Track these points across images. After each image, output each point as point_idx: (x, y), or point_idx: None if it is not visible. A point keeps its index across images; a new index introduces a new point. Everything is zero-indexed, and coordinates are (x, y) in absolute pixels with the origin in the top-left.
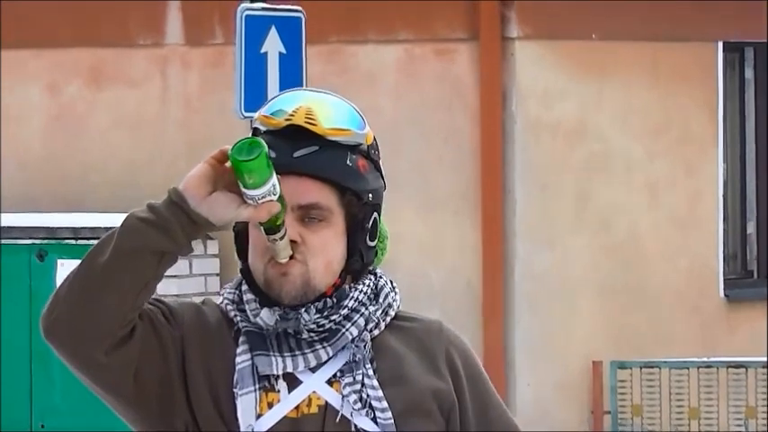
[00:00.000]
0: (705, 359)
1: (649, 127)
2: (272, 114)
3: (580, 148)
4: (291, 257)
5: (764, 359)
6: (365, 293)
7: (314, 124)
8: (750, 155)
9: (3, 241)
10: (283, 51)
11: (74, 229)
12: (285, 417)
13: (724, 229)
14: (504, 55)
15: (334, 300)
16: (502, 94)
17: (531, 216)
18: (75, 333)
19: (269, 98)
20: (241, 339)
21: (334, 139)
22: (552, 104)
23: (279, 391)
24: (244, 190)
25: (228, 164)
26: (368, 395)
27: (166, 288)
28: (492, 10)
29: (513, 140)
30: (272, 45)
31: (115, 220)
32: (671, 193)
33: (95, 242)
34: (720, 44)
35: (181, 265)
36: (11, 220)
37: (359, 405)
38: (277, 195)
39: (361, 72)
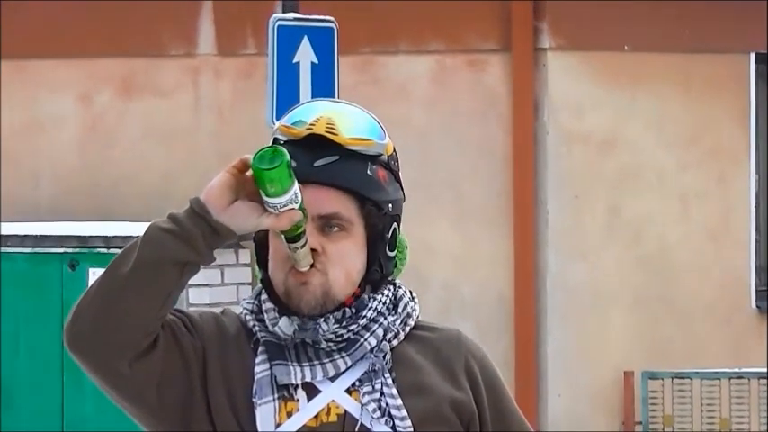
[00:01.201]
0: (736, 370)
1: (681, 138)
2: (292, 124)
3: (612, 159)
4: (312, 267)
5: None
6: (384, 304)
7: (334, 134)
8: None
9: (35, 250)
10: (315, 62)
11: (105, 238)
12: (304, 426)
13: (756, 240)
14: (536, 66)
15: (353, 310)
16: (534, 104)
17: (562, 227)
18: (98, 345)
19: (290, 108)
20: (260, 349)
21: (354, 148)
22: (584, 115)
23: (298, 400)
24: (265, 198)
25: (249, 173)
26: (387, 404)
27: (199, 297)
28: (524, 21)
29: (545, 151)
30: (305, 55)
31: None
32: (703, 205)
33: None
34: (753, 55)
35: (213, 275)
36: (43, 229)
37: (378, 413)
38: (299, 204)
39: (393, 83)
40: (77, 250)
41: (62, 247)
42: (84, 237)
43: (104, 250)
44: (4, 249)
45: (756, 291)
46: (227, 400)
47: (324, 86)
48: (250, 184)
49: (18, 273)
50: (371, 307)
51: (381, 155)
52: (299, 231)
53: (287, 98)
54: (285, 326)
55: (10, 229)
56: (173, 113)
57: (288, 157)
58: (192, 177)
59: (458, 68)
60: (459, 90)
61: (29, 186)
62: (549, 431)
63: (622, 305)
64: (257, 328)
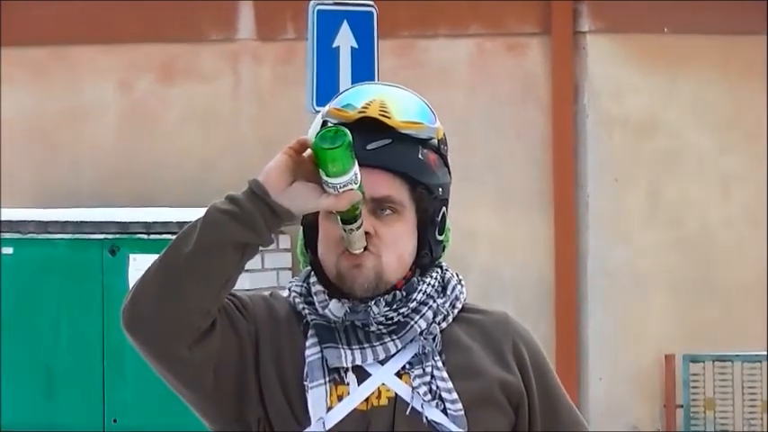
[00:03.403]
0: None
1: (721, 121)
2: (343, 107)
3: (651, 143)
4: (365, 249)
5: None
6: (433, 286)
7: (388, 117)
8: None
9: (76, 236)
10: (355, 46)
11: (146, 224)
12: (355, 409)
13: None
14: (575, 49)
15: (404, 293)
16: (573, 88)
17: (603, 211)
18: (158, 329)
19: (339, 92)
20: (310, 332)
21: (406, 132)
22: (623, 98)
23: (348, 383)
24: (326, 178)
25: (307, 153)
26: (438, 387)
27: (239, 283)
28: (564, 4)
29: (584, 135)
30: (344, 40)
31: (187, 215)
32: (743, 187)
33: (173, 236)
34: None
35: (253, 260)
36: (83, 215)
37: (429, 397)
38: (358, 185)
39: (433, 67)
40: (117, 236)
41: (102, 233)
42: (125, 223)
43: (145, 236)
44: (45, 235)
45: None
46: (278, 383)
47: (364, 71)
48: (308, 165)
49: (59, 259)
50: (421, 290)
51: (432, 138)
52: (356, 213)
53: (327, 83)
54: (336, 308)
55: (51, 214)
56: (213, 99)
57: (350, 138)
58: (231, 163)
59: (497, 52)
60: (498, 74)
61: (70, 172)
62: (590, 414)
63: (663, 288)
64: (307, 311)
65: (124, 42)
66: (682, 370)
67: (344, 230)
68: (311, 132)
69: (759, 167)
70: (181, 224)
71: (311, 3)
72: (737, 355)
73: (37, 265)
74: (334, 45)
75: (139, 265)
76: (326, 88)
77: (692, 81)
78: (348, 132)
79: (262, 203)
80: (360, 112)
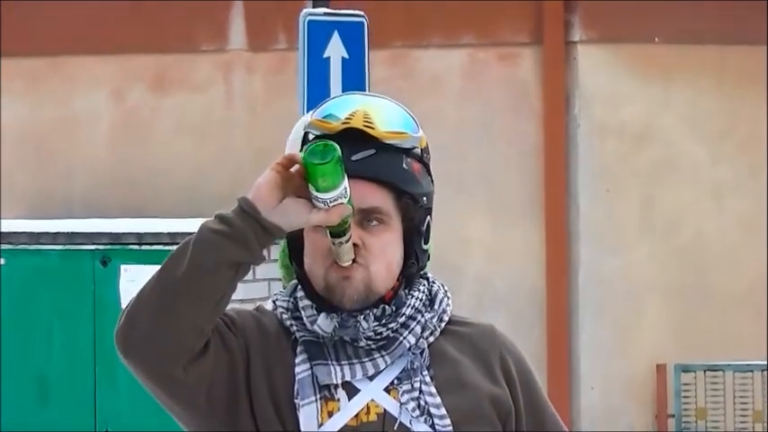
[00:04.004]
0: None
1: (715, 130)
2: (324, 118)
3: (644, 152)
4: (353, 261)
5: None
6: (421, 300)
7: (372, 128)
8: None
9: (67, 247)
10: (346, 56)
11: (137, 235)
12: (345, 425)
13: None
14: (567, 59)
15: (393, 308)
16: (565, 97)
17: (595, 220)
18: (154, 350)
19: (322, 102)
20: (299, 349)
21: (390, 142)
22: (615, 108)
23: (338, 399)
24: (315, 193)
25: (294, 168)
26: (426, 402)
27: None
28: (555, 14)
29: (576, 144)
30: (335, 50)
31: (178, 226)
32: (737, 197)
33: (164, 246)
34: None
35: None
36: (75, 225)
37: (417, 412)
38: (347, 198)
39: (426, 77)
40: (109, 247)
41: (94, 243)
42: (116, 233)
43: (136, 247)
44: (38, 246)
45: None
46: (269, 400)
47: (354, 81)
48: (296, 180)
49: (50, 269)
50: (409, 304)
51: (415, 148)
52: (346, 226)
53: (318, 93)
54: (324, 324)
55: (43, 226)
56: (205, 109)
57: (339, 152)
58: (224, 173)
59: (489, 62)
60: (490, 84)
61: (63, 181)
62: (582, 424)
63: (656, 298)
64: (295, 327)
65: (117, 52)
66: (673, 379)
67: (333, 243)
68: (290, 141)
69: (752, 177)
70: (172, 235)
71: (302, 13)
72: (729, 365)
73: (29, 275)
74: (325, 55)
75: (131, 275)
76: (317, 98)
77: (685, 90)
78: (337, 147)
79: (253, 221)
80: (343, 123)
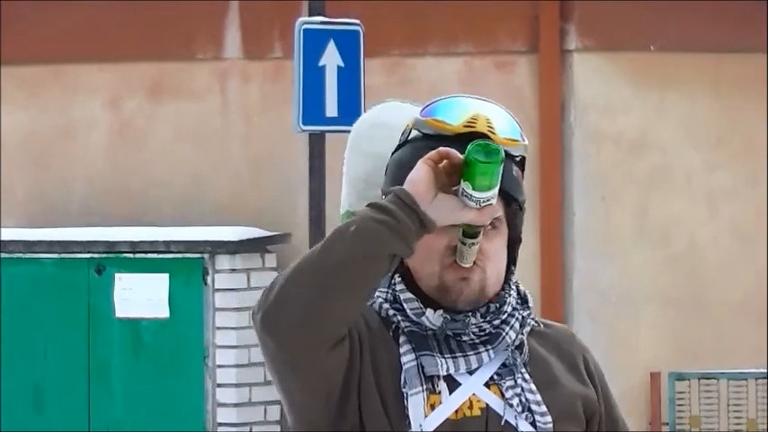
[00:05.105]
0: (763, 370)
1: (710, 138)
2: (443, 119)
3: (640, 160)
4: (474, 263)
5: None
6: (516, 298)
7: (494, 133)
8: None
9: (63, 256)
10: (341, 65)
11: (132, 243)
12: (447, 419)
13: None
14: (562, 67)
15: (497, 305)
16: (561, 105)
17: (590, 228)
18: (304, 333)
19: (430, 102)
20: (403, 339)
21: (507, 149)
22: (611, 116)
23: (440, 392)
24: (470, 191)
25: (443, 165)
26: (527, 399)
27: (226, 301)
28: (551, 22)
29: (571, 152)
30: (331, 58)
31: (173, 234)
32: (732, 205)
33: (158, 255)
34: None
35: (239, 279)
36: (70, 234)
37: (520, 408)
38: (495, 199)
39: (422, 84)
40: (104, 255)
41: (89, 252)
42: (111, 242)
43: (131, 255)
44: (33, 255)
45: None
46: (377, 393)
47: (350, 89)
48: (443, 177)
49: (46, 277)
50: (509, 302)
51: (520, 155)
52: (480, 228)
53: (313, 101)
54: (433, 317)
55: (38, 234)
56: (202, 117)
57: (503, 154)
58: (221, 181)
59: (486, 70)
60: (487, 91)
61: (61, 190)
62: None
63: (651, 306)
64: (399, 318)
65: (114, 60)
66: (667, 388)
67: (464, 243)
68: (364, 138)
69: (747, 185)
70: (167, 243)
71: (298, 21)
72: (723, 373)
73: (25, 284)
74: (321, 63)
75: (125, 284)
76: (313, 106)
77: (681, 99)
78: (502, 149)
79: (414, 215)
80: (466, 126)
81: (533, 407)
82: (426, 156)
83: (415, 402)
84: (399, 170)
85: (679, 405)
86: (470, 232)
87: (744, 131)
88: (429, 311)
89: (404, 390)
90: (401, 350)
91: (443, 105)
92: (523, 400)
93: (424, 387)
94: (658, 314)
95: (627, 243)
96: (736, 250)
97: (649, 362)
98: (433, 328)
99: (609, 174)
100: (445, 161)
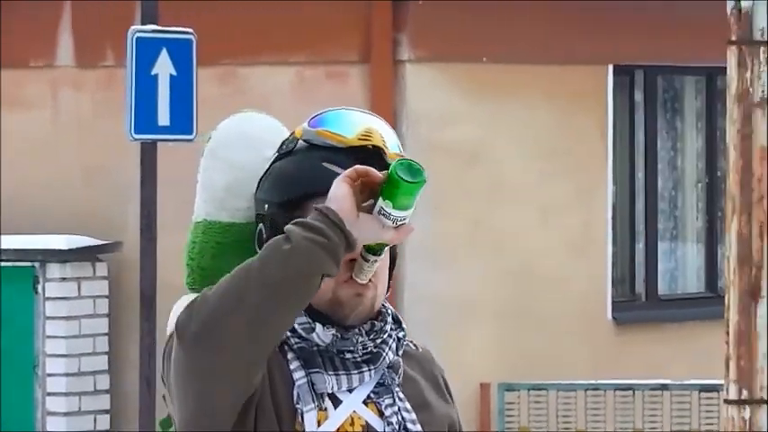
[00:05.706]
0: (592, 381)
1: (543, 150)
2: (336, 132)
3: (473, 171)
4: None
5: (652, 382)
6: (391, 318)
7: (387, 147)
8: (638, 177)
9: None
10: (174, 73)
11: None
12: None
13: (613, 253)
14: (395, 77)
15: (381, 324)
16: (393, 116)
17: (421, 239)
18: (252, 347)
19: (317, 114)
20: (291, 355)
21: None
22: (444, 127)
23: (326, 409)
24: (389, 210)
25: (358, 183)
26: (403, 418)
27: (56, 310)
28: (384, 33)
29: None
30: (163, 67)
31: (3, 242)
32: (563, 217)
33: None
34: (611, 67)
35: (70, 288)
36: None
37: (398, 427)
38: (409, 219)
39: (255, 94)
40: None
41: None
42: None
43: None
44: None
45: (613, 302)
46: (272, 407)
47: (183, 98)
48: (358, 195)
49: None
50: (387, 321)
51: None
52: (384, 246)
53: (146, 110)
54: (323, 334)
55: None
56: (33, 125)
57: (425, 175)
58: (52, 189)
59: (318, 80)
60: (319, 102)
61: None
62: None
63: (484, 317)
64: (288, 334)
65: None
66: (497, 398)
67: (367, 260)
68: (230, 153)
69: (579, 197)
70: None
71: (130, 29)
72: (552, 384)
73: None
74: (153, 72)
75: None
76: (145, 115)
77: (515, 110)
78: (424, 170)
79: (341, 234)
80: (360, 140)
81: (409, 425)
82: (344, 173)
83: (310, 419)
84: (288, 180)
85: (508, 416)
86: (374, 249)
87: (580, 143)
88: (319, 327)
89: (298, 406)
90: (291, 366)
91: (332, 117)
92: (400, 418)
93: (315, 404)
94: (491, 326)
95: (459, 254)
96: (567, 262)
97: (482, 373)
98: (321, 344)
99: (441, 185)
100: (359, 179)
